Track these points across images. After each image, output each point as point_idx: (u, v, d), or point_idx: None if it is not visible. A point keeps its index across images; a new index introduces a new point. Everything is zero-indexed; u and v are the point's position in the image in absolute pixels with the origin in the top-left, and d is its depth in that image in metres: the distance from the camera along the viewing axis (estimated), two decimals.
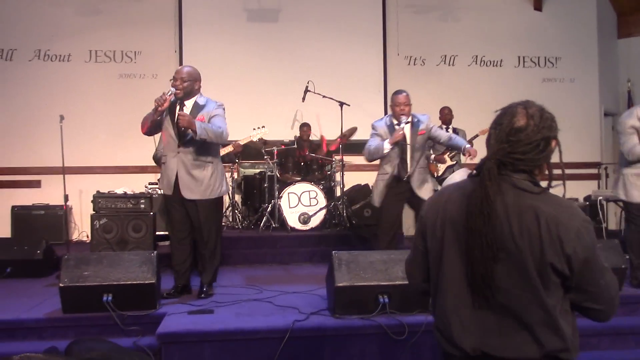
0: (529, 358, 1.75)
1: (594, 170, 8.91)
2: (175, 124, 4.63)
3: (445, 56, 9.26)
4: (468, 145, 5.39)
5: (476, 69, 9.31)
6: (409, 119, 5.36)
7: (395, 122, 5.42)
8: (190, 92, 4.70)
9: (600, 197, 7.03)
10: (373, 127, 5.52)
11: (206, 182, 4.71)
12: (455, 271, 1.84)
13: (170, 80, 4.74)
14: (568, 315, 1.79)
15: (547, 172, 1.86)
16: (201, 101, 4.75)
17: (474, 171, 1.89)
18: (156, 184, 7.12)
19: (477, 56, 9.31)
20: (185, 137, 4.64)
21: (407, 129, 5.37)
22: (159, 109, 4.51)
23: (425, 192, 5.32)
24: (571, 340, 1.76)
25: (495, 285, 1.75)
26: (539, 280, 1.72)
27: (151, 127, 4.70)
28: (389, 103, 8.83)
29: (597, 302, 1.79)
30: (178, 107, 4.68)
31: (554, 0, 9.47)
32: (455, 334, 1.82)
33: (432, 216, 1.93)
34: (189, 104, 4.72)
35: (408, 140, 5.36)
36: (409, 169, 5.37)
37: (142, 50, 8.64)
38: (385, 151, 5.32)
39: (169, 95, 4.53)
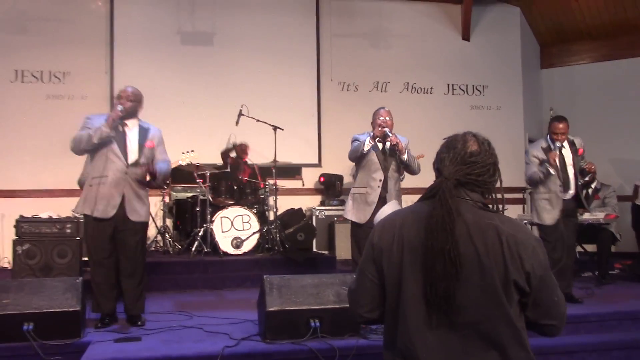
0: None
1: (519, 195, 9.21)
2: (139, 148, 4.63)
3: (378, 82, 9.44)
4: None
5: (407, 95, 9.52)
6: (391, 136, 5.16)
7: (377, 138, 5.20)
8: (133, 113, 4.67)
9: (525, 221, 7.25)
10: (356, 140, 5.32)
11: (147, 203, 4.75)
12: (416, 294, 1.83)
13: (119, 101, 4.63)
14: (525, 331, 1.84)
15: (493, 196, 1.95)
16: (144, 125, 4.76)
17: (428, 193, 1.91)
18: None
19: (408, 83, 9.53)
20: (138, 157, 4.61)
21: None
22: (112, 121, 4.46)
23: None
24: (532, 355, 1.82)
25: (458, 304, 1.77)
26: (505, 298, 1.76)
27: (95, 146, 4.50)
28: (322, 128, 9.02)
29: (551, 317, 1.86)
30: (121, 128, 4.62)
31: (481, 32, 9.84)
32: (421, 357, 1.80)
33: (387, 242, 1.91)
34: (132, 127, 4.68)
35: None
36: (388, 189, 5.12)
37: (71, 71, 8.40)
38: (366, 148, 5.12)
39: (121, 111, 4.52)
